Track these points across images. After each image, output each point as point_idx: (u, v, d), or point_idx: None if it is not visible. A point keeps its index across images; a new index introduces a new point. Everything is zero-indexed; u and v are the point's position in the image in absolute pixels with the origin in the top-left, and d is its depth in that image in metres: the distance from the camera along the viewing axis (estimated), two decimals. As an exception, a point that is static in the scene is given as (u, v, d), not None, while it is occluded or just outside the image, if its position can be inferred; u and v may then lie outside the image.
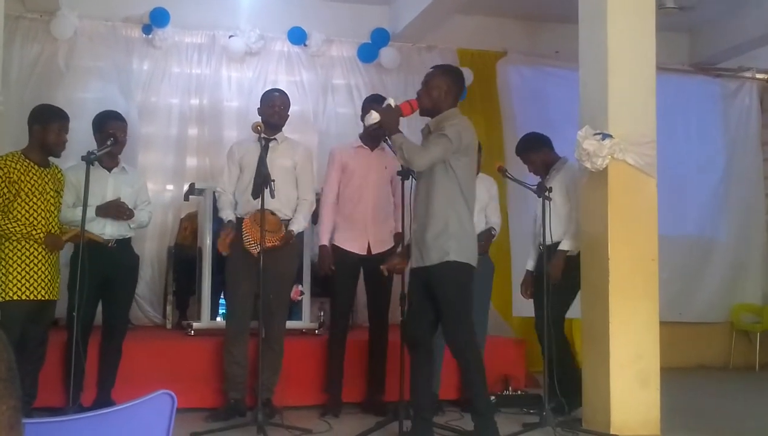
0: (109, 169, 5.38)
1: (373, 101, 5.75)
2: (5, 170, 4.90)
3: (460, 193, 4.56)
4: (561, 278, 5.43)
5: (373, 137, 5.70)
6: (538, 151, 5.84)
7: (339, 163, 5.75)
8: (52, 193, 5.10)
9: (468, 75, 8.23)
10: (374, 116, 4.59)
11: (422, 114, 4.77)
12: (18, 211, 4.91)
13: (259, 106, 5.65)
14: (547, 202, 5.24)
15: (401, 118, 4.66)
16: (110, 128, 5.31)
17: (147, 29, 7.59)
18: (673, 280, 8.10)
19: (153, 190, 7.38)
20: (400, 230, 5.67)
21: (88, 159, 4.90)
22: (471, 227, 4.64)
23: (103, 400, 5.23)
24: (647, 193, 5.20)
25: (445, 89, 4.68)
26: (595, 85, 5.29)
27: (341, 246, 5.69)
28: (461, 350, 4.59)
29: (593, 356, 5.18)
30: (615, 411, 4.98)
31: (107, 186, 5.34)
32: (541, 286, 5.31)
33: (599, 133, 5.08)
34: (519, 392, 6.07)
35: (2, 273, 4.86)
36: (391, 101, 4.71)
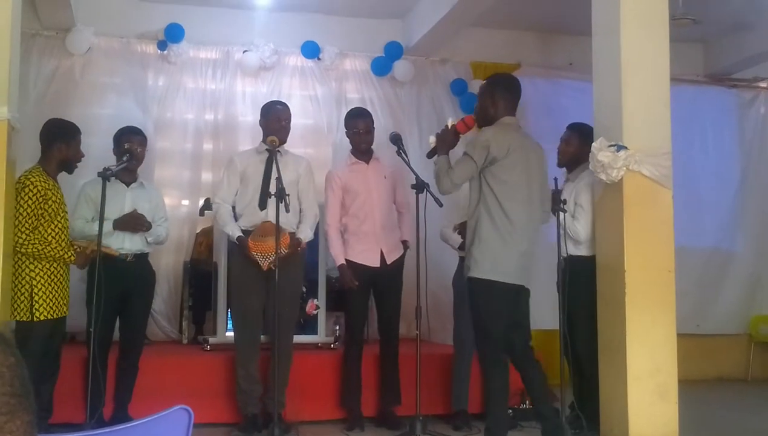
0: (127, 184, 5.40)
1: (357, 116, 5.87)
2: (42, 191, 4.85)
3: (496, 204, 4.55)
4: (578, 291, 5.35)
5: (364, 150, 5.76)
6: (583, 142, 5.46)
7: (339, 187, 5.75)
8: (64, 207, 5.11)
9: (482, 88, 8.24)
10: (431, 140, 4.91)
11: (480, 127, 4.85)
12: (44, 229, 4.89)
13: (260, 119, 5.67)
14: (561, 213, 5.22)
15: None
16: (126, 142, 5.33)
17: (162, 45, 7.63)
18: (691, 292, 8.03)
19: (169, 205, 7.37)
20: (406, 238, 5.72)
21: (104, 175, 4.91)
22: (505, 241, 4.56)
23: (120, 416, 5.24)
24: (663, 204, 5.17)
25: (491, 99, 4.77)
26: (609, 96, 5.28)
27: (355, 260, 5.68)
28: (481, 365, 4.66)
29: (610, 368, 5.14)
30: (633, 424, 4.94)
31: (125, 201, 5.35)
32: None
33: (614, 145, 5.05)
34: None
35: (33, 293, 4.82)
36: (449, 122, 4.93)
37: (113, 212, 5.20)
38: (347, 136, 5.90)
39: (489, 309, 4.58)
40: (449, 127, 4.86)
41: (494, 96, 4.79)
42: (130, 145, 5.33)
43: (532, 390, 4.82)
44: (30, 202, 4.80)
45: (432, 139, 4.90)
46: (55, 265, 4.94)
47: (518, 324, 4.71)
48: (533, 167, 4.74)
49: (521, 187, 4.63)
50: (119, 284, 5.12)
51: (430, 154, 4.96)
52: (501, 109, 4.75)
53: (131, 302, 5.33)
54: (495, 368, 4.57)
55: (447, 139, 4.81)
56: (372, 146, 5.88)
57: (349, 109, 6.36)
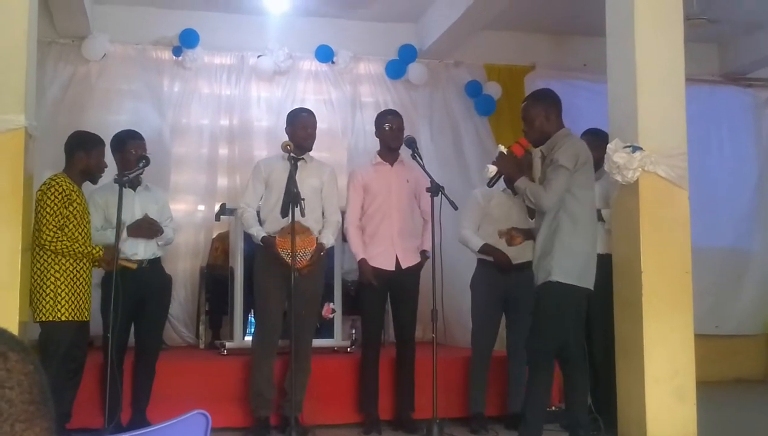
0: (134, 188, 5.42)
1: (389, 112, 5.94)
2: (67, 191, 4.97)
3: (580, 210, 4.60)
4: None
5: (394, 148, 5.74)
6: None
7: (360, 186, 5.75)
8: (89, 216, 5.18)
9: (496, 90, 8.25)
10: (491, 169, 4.80)
11: (536, 146, 4.88)
12: (72, 231, 4.98)
13: (286, 126, 5.68)
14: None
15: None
16: (132, 148, 5.35)
17: (177, 51, 7.67)
18: (708, 292, 7.99)
19: (185, 210, 7.47)
20: (426, 248, 5.69)
21: (121, 182, 4.94)
22: (587, 247, 4.63)
23: (138, 420, 5.26)
24: (679, 205, 5.15)
25: (544, 115, 4.77)
26: (624, 97, 5.26)
27: (370, 263, 5.68)
28: (531, 362, 4.72)
29: (628, 371, 5.12)
30: (651, 427, 4.92)
31: (134, 205, 5.38)
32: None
33: (629, 146, 5.04)
34: (554, 408, 6.01)
35: (54, 292, 4.89)
36: (503, 148, 4.87)
37: (124, 218, 5.22)
38: (377, 136, 5.88)
39: (564, 313, 4.61)
40: (505, 153, 4.82)
41: (547, 111, 4.79)
42: (138, 151, 5.35)
43: (574, 395, 4.85)
44: (56, 200, 4.91)
45: (492, 169, 4.81)
46: (78, 267, 5.00)
47: (579, 327, 4.76)
48: None
49: (593, 189, 4.76)
50: (135, 290, 5.14)
51: (492, 182, 4.91)
52: (553, 123, 4.77)
53: (147, 307, 5.35)
54: (546, 367, 4.65)
55: (510, 166, 4.79)
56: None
57: (367, 111, 6.36)
